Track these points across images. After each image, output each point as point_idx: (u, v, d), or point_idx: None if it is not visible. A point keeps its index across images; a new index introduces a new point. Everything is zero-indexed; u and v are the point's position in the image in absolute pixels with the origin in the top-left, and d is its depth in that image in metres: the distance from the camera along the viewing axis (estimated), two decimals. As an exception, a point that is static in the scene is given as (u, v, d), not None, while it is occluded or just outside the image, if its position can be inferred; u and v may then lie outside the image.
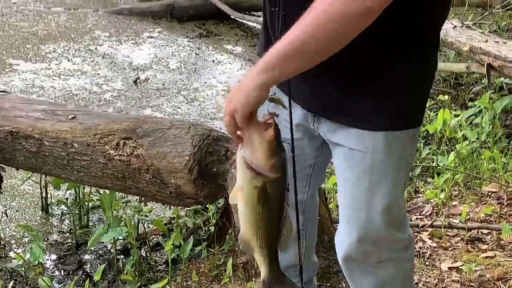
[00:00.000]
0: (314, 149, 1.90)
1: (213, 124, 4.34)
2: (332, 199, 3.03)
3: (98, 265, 2.94)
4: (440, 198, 3.17)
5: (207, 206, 3.05)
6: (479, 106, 4.04)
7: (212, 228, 2.92)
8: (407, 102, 1.74)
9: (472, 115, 4.02)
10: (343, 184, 1.82)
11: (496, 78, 4.29)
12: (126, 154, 2.62)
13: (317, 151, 1.90)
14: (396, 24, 1.62)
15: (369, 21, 1.47)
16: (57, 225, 3.44)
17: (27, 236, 3.22)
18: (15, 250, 3.14)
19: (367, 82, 1.70)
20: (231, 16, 6.61)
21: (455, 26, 4.25)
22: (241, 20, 6.71)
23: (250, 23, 6.70)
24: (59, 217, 3.49)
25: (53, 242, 3.26)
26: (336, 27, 1.47)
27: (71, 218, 3.37)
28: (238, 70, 5.79)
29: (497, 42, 4.04)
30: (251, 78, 1.52)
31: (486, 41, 4.07)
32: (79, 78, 5.42)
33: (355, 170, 1.73)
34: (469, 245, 2.86)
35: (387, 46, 1.67)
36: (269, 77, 1.51)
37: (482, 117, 3.89)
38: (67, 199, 3.37)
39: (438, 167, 3.46)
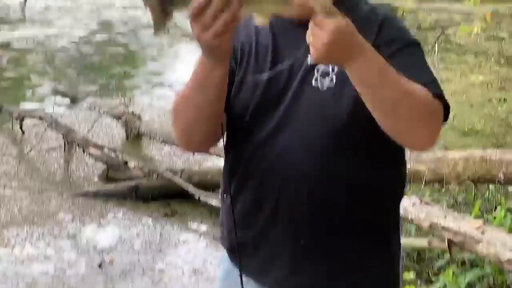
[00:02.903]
0: None
1: (180, 307, 4.27)
2: None
3: None
4: None
5: None
6: (444, 281, 4.07)
7: None
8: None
9: (437, 290, 4.05)
10: None
11: (458, 253, 4.37)
12: None
13: None
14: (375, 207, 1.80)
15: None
16: None
17: None
18: None
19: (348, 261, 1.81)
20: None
21: (414, 203, 4.38)
22: (205, 199, 6.80)
23: (214, 202, 6.78)
24: None
25: None
26: (409, 108, 1.63)
27: None
28: (203, 249, 5.79)
29: (456, 218, 4.16)
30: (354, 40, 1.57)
31: (445, 217, 4.19)
32: (43, 263, 5.36)
33: None
34: None
35: (365, 227, 1.82)
36: (350, 56, 1.57)
37: (448, 292, 3.93)
38: None
39: None
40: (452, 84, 9.83)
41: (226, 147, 1.94)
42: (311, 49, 1.56)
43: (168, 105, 9.28)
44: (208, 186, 6.96)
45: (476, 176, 5.33)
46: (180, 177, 6.79)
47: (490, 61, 11.58)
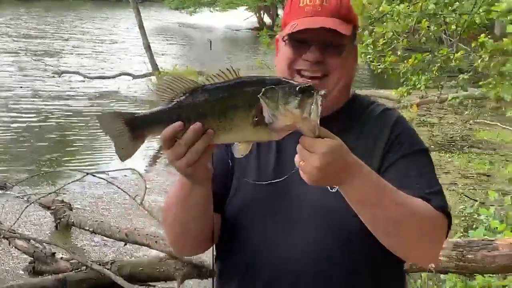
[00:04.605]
0: None
1: None
2: None
3: None
4: None
5: None
6: None
7: None
8: None
9: None
10: None
11: None
12: None
13: None
14: None
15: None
16: None
17: None
18: None
19: None
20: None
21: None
22: (135, 291, 6.61)
23: (143, 293, 6.61)
24: None
25: None
26: (412, 225, 1.59)
27: None
28: None
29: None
30: (349, 165, 1.51)
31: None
32: None
33: None
34: None
35: None
36: (345, 178, 1.50)
37: None
38: None
39: None
40: (384, 170, 9.95)
41: (219, 250, 1.87)
42: (302, 174, 1.46)
43: (99, 192, 9.16)
44: (138, 279, 6.76)
45: (408, 264, 5.33)
46: (110, 269, 6.58)
47: (421, 147, 11.82)
